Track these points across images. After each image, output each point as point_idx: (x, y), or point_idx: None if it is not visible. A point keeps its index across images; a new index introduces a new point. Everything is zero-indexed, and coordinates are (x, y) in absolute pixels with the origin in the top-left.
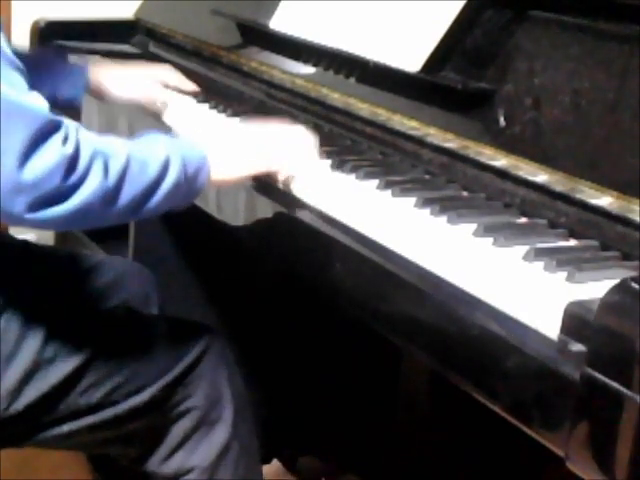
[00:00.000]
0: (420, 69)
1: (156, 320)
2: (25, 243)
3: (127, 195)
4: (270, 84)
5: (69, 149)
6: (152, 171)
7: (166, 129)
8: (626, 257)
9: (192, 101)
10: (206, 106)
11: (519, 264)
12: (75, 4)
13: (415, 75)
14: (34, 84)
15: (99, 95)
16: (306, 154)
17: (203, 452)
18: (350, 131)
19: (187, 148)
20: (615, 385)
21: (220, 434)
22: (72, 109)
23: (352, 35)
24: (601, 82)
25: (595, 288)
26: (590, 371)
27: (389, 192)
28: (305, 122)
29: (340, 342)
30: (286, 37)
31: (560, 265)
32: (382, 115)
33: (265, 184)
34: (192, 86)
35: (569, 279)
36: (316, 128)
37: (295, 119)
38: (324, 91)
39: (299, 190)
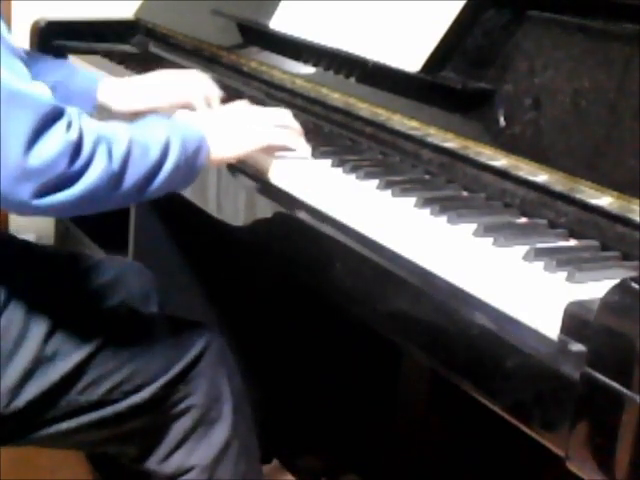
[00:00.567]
0: (420, 69)
1: (156, 318)
2: (25, 243)
3: (131, 178)
4: (270, 84)
5: (73, 135)
6: (154, 154)
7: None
8: (626, 257)
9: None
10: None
11: (519, 264)
12: (75, 4)
13: (415, 75)
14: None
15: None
16: (296, 130)
17: (203, 451)
18: (350, 131)
19: (186, 129)
20: (615, 385)
21: (220, 433)
22: None
23: (352, 35)
24: (601, 82)
25: (595, 288)
26: (590, 371)
27: (389, 192)
28: (305, 122)
29: (340, 342)
30: (286, 37)
31: (560, 265)
32: (382, 115)
33: (265, 184)
34: (216, 93)
35: (569, 279)
36: (316, 128)
37: (295, 119)
38: (324, 91)
39: (299, 190)
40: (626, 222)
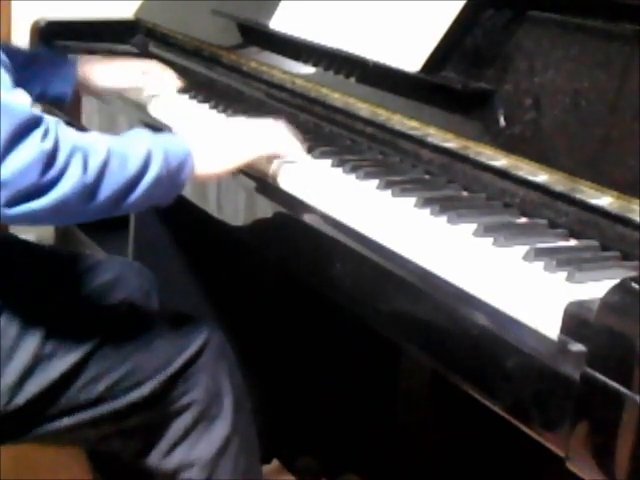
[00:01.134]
0: (420, 69)
1: (156, 315)
2: (25, 243)
3: (106, 190)
4: (270, 84)
5: (48, 145)
6: (132, 166)
7: (165, 128)
8: (626, 257)
9: (192, 101)
10: (206, 106)
11: (519, 264)
12: (75, 4)
13: (415, 75)
14: (25, 80)
15: (86, 88)
16: (287, 142)
17: (203, 447)
18: (350, 131)
19: (170, 143)
20: (615, 385)
21: (220, 429)
22: (62, 104)
23: (352, 35)
24: (601, 82)
25: (595, 288)
26: (590, 371)
27: (389, 192)
28: (305, 122)
29: (340, 342)
30: (286, 37)
31: (560, 265)
32: (382, 115)
33: (265, 184)
34: (176, 79)
35: (569, 279)
36: (316, 128)
37: (295, 119)
38: (324, 91)
39: (299, 190)
40: (626, 222)
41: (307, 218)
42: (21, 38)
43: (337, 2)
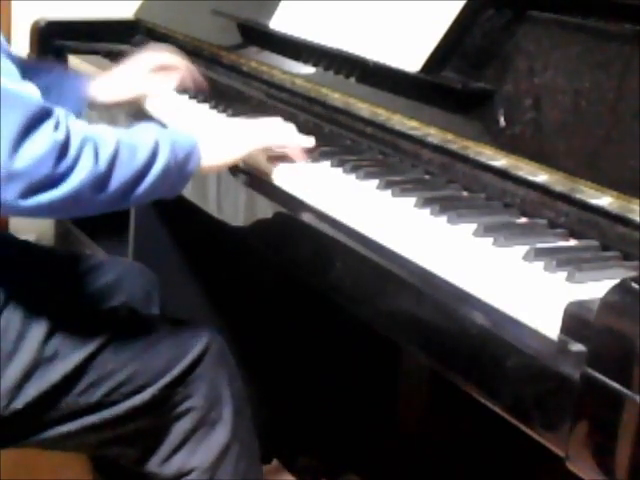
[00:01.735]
0: (420, 69)
1: (156, 320)
2: (25, 243)
3: (117, 181)
4: (270, 84)
5: (60, 136)
6: (141, 157)
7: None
8: (626, 257)
9: (192, 101)
10: (206, 106)
11: (519, 264)
12: (75, 4)
13: (415, 75)
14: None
15: (96, 107)
16: (287, 133)
17: (203, 452)
18: (350, 131)
19: (177, 135)
20: (615, 385)
21: (220, 434)
22: None
23: (352, 35)
24: (601, 82)
25: (595, 288)
26: (590, 371)
27: (389, 192)
28: (305, 122)
29: (340, 342)
30: (286, 37)
31: (560, 265)
32: (382, 115)
33: (265, 184)
34: (185, 63)
35: (569, 279)
36: (316, 128)
37: (295, 119)
38: (324, 91)
39: (299, 190)
40: (626, 222)
41: (307, 218)
42: (21, 38)
43: (337, 2)
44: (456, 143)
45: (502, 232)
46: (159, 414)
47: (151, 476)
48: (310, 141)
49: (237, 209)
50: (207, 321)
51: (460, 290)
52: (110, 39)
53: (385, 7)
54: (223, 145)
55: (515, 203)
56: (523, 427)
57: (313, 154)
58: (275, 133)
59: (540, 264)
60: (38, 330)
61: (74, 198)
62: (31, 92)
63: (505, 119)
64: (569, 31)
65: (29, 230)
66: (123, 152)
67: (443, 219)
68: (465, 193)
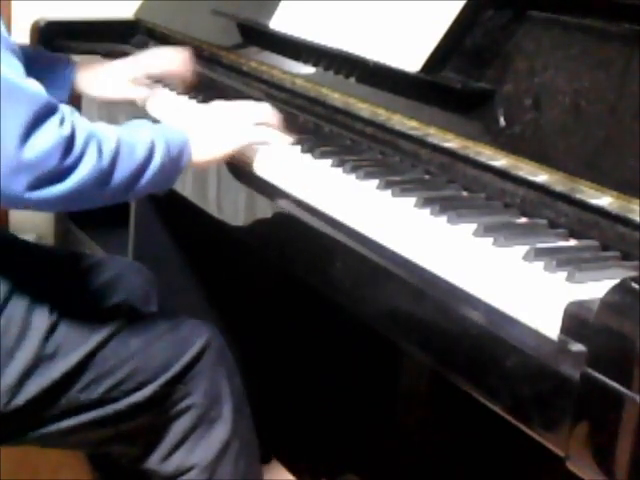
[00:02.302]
0: (420, 69)
1: (156, 317)
2: (25, 243)
3: (119, 176)
4: (270, 84)
5: (66, 130)
6: (140, 153)
7: None
8: (626, 257)
9: (192, 101)
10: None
11: (519, 264)
12: (75, 4)
13: (415, 75)
14: None
15: (85, 96)
16: (273, 124)
17: (203, 450)
18: (350, 131)
19: (169, 132)
20: (615, 385)
21: (220, 432)
22: None
23: (352, 35)
24: (601, 82)
25: (595, 288)
26: (590, 371)
27: (389, 192)
28: (305, 122)
29: (340, 342)
30: (286, 37)
31: (560, 265)
32: (382, 115)
33: (265, 184)
34: (183, 62)
35: (569, 279)
36: (316, 128)
37: (295, 119)
38: (324, 91)
39: (299, 190)
40: (626, 222)
41: (307, 218)
42: (21, 38)
43: (337, 2)
44: (456, 143)
45: (502, 232)
46: (159, 411)
47: (151, 473)
48: (289, 141)
49: (237, 209)
50: (207, 321)
51: (460, 290)
52: (110, 39)
53: (385, 7)
54: (212, 141)
55: (515, 203)
56: (523, 427)
57: (313, 154)
58: (260, 131)
59: (540, 264)
60: (39, 328)
61: (79, 192)
62: (37, 87)
63: (505, 119)
64: (569, 31)
65: (29, 230)
66: (124, 149)
67: (443, 219)
68: (465, 193)
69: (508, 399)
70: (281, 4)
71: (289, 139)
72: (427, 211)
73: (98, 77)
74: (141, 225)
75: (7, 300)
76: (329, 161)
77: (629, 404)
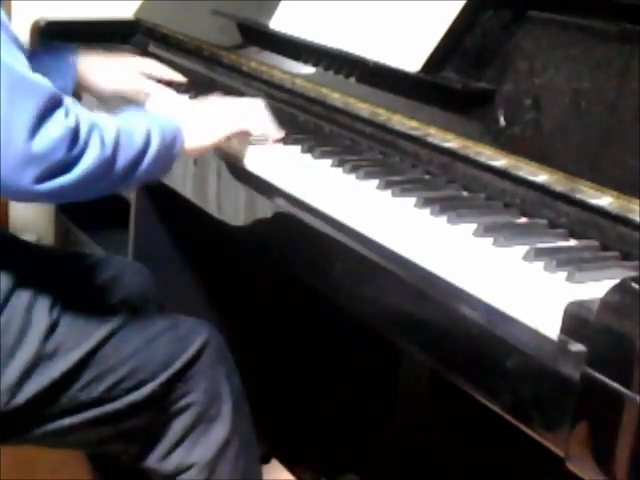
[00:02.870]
0: (420, 69)
1: (156, 316)
2: (25, 243)
3: (120, 164)
4: (270, 84)
5: (71, 122)
6: (138, 141)
7: None
8: (626, 257)
9: (192, 102)
10: None
11: (519, 264)
12: (75, 4)
13: (415, 75)
14: None
15: (85, 88)
16: (263, 115)
17: (203, 448)
18: (350, 131)
19: (163, 120)
20: (615, 385)
21: (219, 430)
22: None
23: (352, 35)
24: (601, 82)
25: (595, 288)
26: (590, 371)
27: (389, 192)
28: (305, 122)
29: (340, 342)
30: (286, 37)
31: (560, 265)
32: (382, 115)
33: (265, 184)
34: (177, 76)
35: (569, 279)
36: (316, 128)
37: (295, 119)
38: (324, 91)
39: (299, 190)
40: (626, 222)
41: (307, 218)
42: (21, 38)
43: (337, 2)
44: (456, 143)
45: (502, 232)
46: (159, 410)
47: (150, 472)
48: (281, 134)
49: (237, 209)
50: (206, 319)
51: (460, 290)
52: (110, 39)
53: (385, 7)
54: (202, 128)
55: (515, 203)
56: (523, 427)
57: (313, 154)
58: (252, 116)
59: (540, 264)
60: (39, 327)
61: (84, 182)
62: (43, 80)
63: (505, 119)
64: (569, 31)
65: (29, 230)
66: (123, 137)
67: (443, 219)
68: (465, 193)
69: (508, 399)
70: (281, 4)
71: (280, 130)
72: (427, 211)
73: (101, 69)
74: (141, 225)
75: (7, 299)
76: (329, 161)
77: (629, 404)
